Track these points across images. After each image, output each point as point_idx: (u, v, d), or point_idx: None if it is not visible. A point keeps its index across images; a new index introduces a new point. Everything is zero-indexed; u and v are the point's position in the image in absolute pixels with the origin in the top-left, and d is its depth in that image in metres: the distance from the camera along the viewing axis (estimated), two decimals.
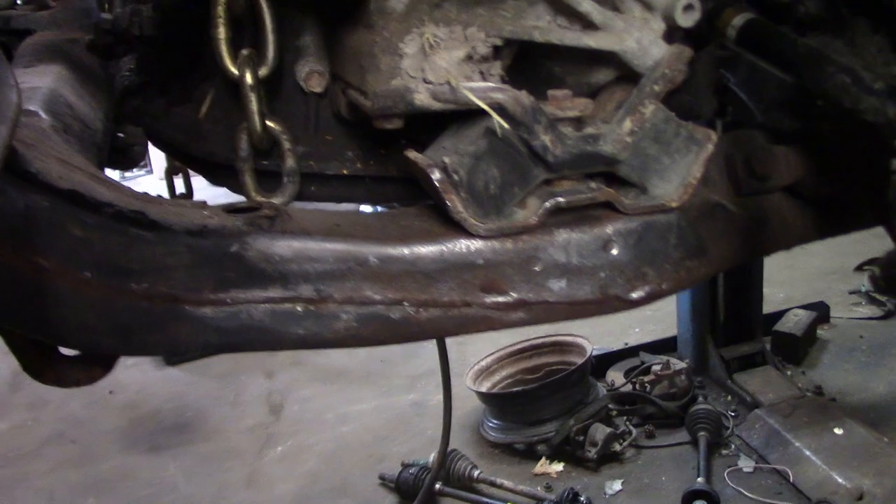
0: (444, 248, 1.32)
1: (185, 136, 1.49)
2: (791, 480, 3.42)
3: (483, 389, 4.17)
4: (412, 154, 1.33)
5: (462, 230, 1.31)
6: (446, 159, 1.27)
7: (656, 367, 4.13)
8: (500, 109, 1.25)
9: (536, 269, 1.34)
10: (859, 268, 4.67)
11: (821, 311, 4.54)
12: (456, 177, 1.27)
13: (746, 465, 3.62)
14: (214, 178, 1.53)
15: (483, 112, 1.27)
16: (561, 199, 1.32)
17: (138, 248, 1.19)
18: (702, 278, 1.46)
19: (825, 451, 3.50)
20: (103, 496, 3.89)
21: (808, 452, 3.54)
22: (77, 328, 1.18)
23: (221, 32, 1.33)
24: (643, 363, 4.27)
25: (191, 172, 1.93)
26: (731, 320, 4.15)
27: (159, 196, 1.32)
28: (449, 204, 1.28)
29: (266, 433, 4.29)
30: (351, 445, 4.13)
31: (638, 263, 1.37)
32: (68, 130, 1.48)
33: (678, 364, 4.15)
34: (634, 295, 1.38)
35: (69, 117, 1.53)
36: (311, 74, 1.44)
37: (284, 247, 1.26)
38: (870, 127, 1.29)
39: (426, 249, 1.31)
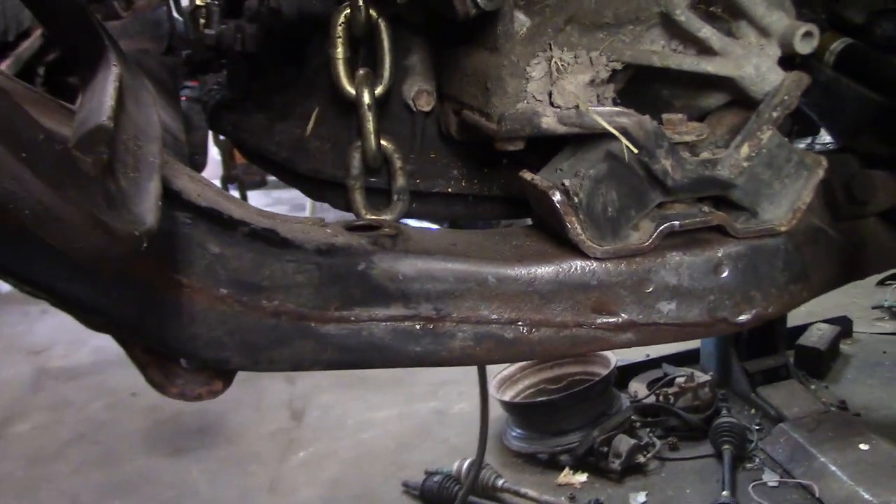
0: (560, 268, 1.33)
1: (289, 152, 1.50)
2: (816, 495, 3.44)
3: (507, 398, 4.17)
4: (529, 175, 1.35)
5: (577, 251, 1.32)
6: (566, 182, 1.29)
7: (680, 380, 4.14)
8: (625, 133, 1.27)
9: (648, 290, 1.36)
10: (882, 282, 4.70)
11: (844, 326, 4.57)
12: (576, 199, 1.28)
13: (771, 479, 3.64)
14: (318, 195, 1.53)
15: (603, 135, 1.28)
16: (676, 223, 1.34)
17: (270, 266, 1.20)
18: (803, 302, 1.48)
19: (850, 466, 3.52)
20: (127, 498, 3.86)
21: (833, 468, 3.55)
22: (208, 343, 1.19)
23: (340, 52, 1.34)
24: (666, 375, 4.28)
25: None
26: (755, 333, 4.16)
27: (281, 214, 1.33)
28: (568, 226, 1.29)
29: (288, 438, 4.28)
30: (373, 452, 4.12)
31: (746, 287, 1.39)
32: (165, 143, 1.49)
33: (702, 376, 4.17)
34: (742, 318, 1.40)
35: (163, 130, 1.53)
36: (420, 93, 1.45)
37: (408, 266, 1.27)
38: None
39: (542, 270, 1.33)
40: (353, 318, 1.25)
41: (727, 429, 3.81)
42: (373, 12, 1.36)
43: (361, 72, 1.37)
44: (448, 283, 1.29)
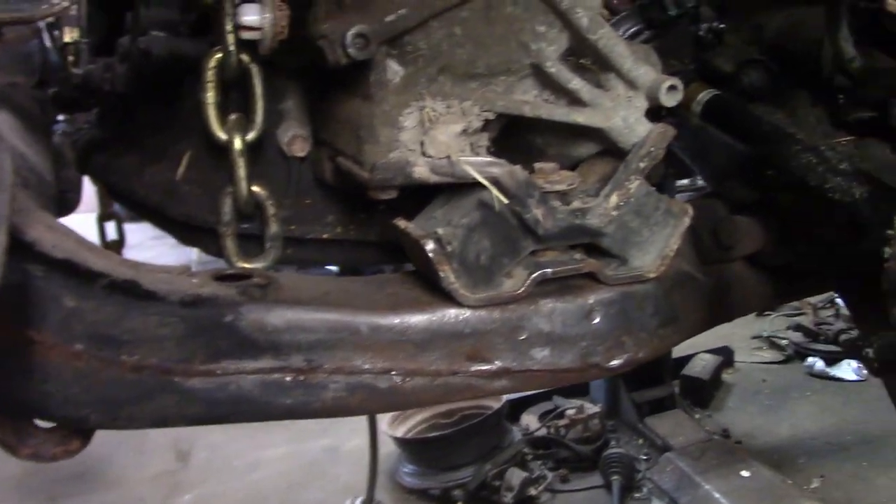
0: (433, 317, 1.32)
1: (160, 196, 1.45)
2: None
3: (399, 434, 4.15)
4: (403, 224, 1.34)
5: (451, 300, 1.32)
6: (440, 230, 1.29)
7: (570, 411, 4.21)
8: (496, 183, 1.28)
9: (522, 337, 1.36)
10: (760, 313, 4.88)
11: (726, 356, 4.73)
12: (449, 248, 1.28)
13: None
14: (189, 240, 1.49)
15: (475, 184, 1.29)
16: (548, 270, 1.35)
17: (131, 319, 1.16)
18: (673, 345, 1.51)
19: (733, 493, 3.62)
20: None
21: (717, 495, 3.65)
22: (63, 402, 1.14)
23: (211, 96, 1.31)
24: (557, 407, 4.34)
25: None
26: (642, 365, 4.25)
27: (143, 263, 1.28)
28: (441, 274, 1.29)
29: (173, 481, 4.13)
30: (262, 493, 4.02)
31: (617, 332, 1.41)
32: (27, 185, 1.42)
33: (591, 408, 4.24)
34: (613, 363, 1.42)
35: (25, 170, 1.46)
36: (295, 139, 1.43)
37: (278, 316, 1.24)
38: (835, 205, 1.37)
39: (416, 319, 1.32)
40: (219, 372, 1.21)
41: (616, 459, 3.88)
42: (245, 56, 1.34)
43: (233, 117, 1.35)
44: (320, 334, 1.26)
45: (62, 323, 1.11)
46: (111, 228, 1.99)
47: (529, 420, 4.35)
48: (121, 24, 1.61)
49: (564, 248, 1.40)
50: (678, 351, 4.51)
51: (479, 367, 1.36)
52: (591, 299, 1.39)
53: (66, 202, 2.09)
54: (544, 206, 1.31)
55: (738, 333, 4.96)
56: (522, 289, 1.34)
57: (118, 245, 1.92)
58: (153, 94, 1.49)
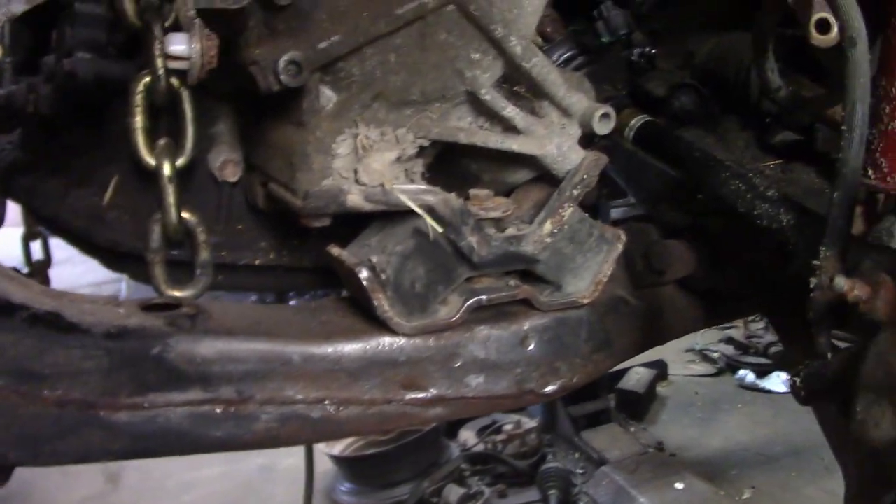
0: (367, 346, 1.31)
1: (86, 221, 1.41)
2: None
3: (335, 452, 4.11)
4: (337, 251, 1.33)
5: (384, 328, 1.31)
6: (374, 258, 1.27)
7: (507, 427, 4.22)
8: (431, 211, 1.27)
9: (457, 365, 1.36)
10: None
11: (660, 369, 4.80)
12: (384, 276, 1.27)
13: None
14: (116, 267, 1.45)
15: (410, 211, 1.28)
16: (483, 297, 1.35)
17: (54, 352, 1.12)
18: (607, 370, 1.52)
19: None
20: None
21: None
22: None
23: (139, 121, 1.28)
24: (495, 422, 4.34)
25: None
26: None
27: (67, 292, 1.24)
28: (376, 303, 1.28)
29: None
30: None
31: (552, 358, 1.42)
32: None
33: (528, 423, 4.26)
34: (548, 389, 1.42)
35: None
36: (226, 164, 1.41)
37: (208, 347, 1.22)
38: (763, 231, 1.40)
39: (350, 347, 1.31)
40: (147, 405, 1.18)
41: (553, 474, 3.91)
42: (175, 81, 1.31)
43: (162, 142, 1.31)
44: (251, 364, 1.24)
45: None
46: (37, 247, 1.93)
47: (467, 436, 4.35)
48: (46, 43, 1.56)
49: (499, 274, 1.40)
50: None
51: (414, 396, 1.35)
52: (526, 325, 1.39)
53: None
54: (479, 234, 1.31)
55: (672, 347, 5.00)
56: (457, 316, 1.34)
57: (45, 265, 1.86)
58: (79, 116, 1.44)
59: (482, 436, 4.29)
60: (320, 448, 3.96)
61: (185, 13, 1.03)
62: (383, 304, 1.28)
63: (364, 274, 1.27)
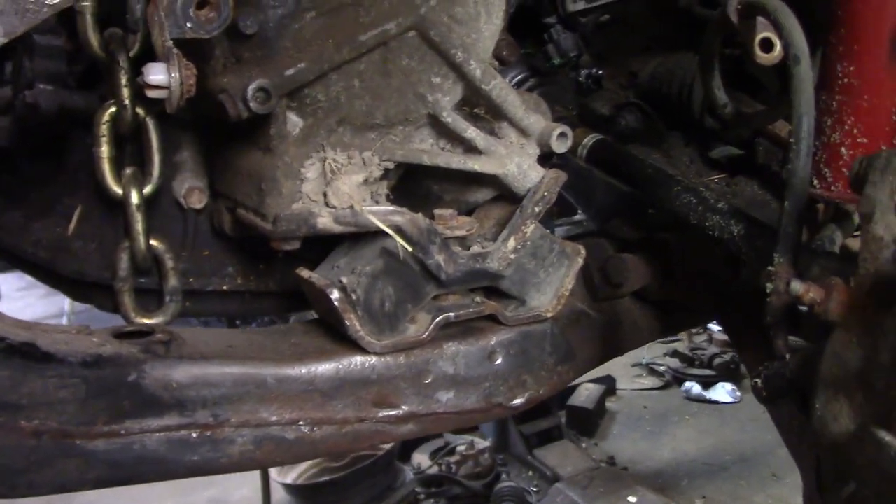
0: (339, 365, 1.34)
1: (49, 252, 1.40)
2: None
3: (288, 481, 4.08)
4: (307, 273, 1.35)
5: (356, 347, 1.33)
6: (344, 279, 1.30)
7: (461, 448, 4.25)
8: (399, 231, 1.30)
9: (427, 381, 1.39)
10: None
11: (608, 384, 4.88)
12: (354, 296, 1.30)
13: None
14: (82, 297, 1.45)
15: (378, 232, 1.31)
16: (451, 314, 1.39)
17: (29, 383, 1.12)
18: (570, 381, 1.57)
19: None
20: None
21: None
22: None
23: (105, 151, 1.29)
24: (448, 444, 4.37)
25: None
26: None
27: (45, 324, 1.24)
28: (347, 323, 1.30)
29: None
30: None
31: (518, 372, 1.46)
32: None
33: (481, 443, 4.29)
34: (515, 402, 1.46)
35: None
36: (192, 191, 1.42)
37: (182, 372, 1.23)
38: (714, 241, 1.46)
39: (323, 368, 1.33)
40: (123, 432, 1.19)
41: (507, 493, 3.94)
42: (140, 110, 1.32)
43: (129, 171, 1.33)
44: (225, 388, 1.25)
45: None
46: None
47: (420, 458, 4.36)
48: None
49: (465, 291, 1.44)
50: None
51: (386, 413, 1.38)
52: (493, 340, 1.43)
53: None
54: (446, 252, 1.35)
55: (619, 362, 5.10)
56: (426, 333, 1.37)
57: None
58: (38, 147, 1.44)
59: (436, 458, 4.31)
60: (273, 477, 3.94)
61: (162, 43, 1.05)
62: (355, 323, 1.31)
63: (335, 295, 1.29)
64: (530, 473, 4.26)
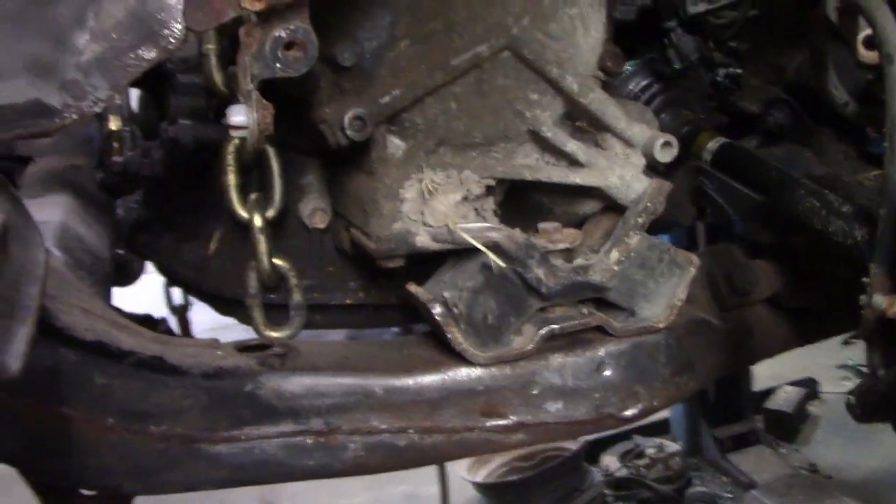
0: (446, 377, 1.39)
1: (194, 272, 1.56)
2: None
3: (478, 479, 4.17)
4: (413, 288, 1.41)
5: (462, 359, 1.38)
6: (446, 294, 1.35)
7: (650, 451, 4.17)
8: (496, 247, 1.34)
9: (534, 392, 1.41)
10: (846, 342, 4.72)
11: (810, 387, 4.60)
12: (456, 310, 1.35)
13: None
14: (223, 311, 1.60)
15: (477, 248, 1.35)
16: (555, 327, 1.40)
17: (157, 393, 1.26)
18: (691, 392, 1.53)
19: None
20: None
21: None
22: (99, 472, 1.24)
23: (231, 179, 1.41)
24: (637, 446, 4.30)
25: None
26: (722, 399, 4.19)
27: (174, 336, 1.39)
28: (450, 336, 1.35)
29: None
30: None
31: (630, 383, 1.45)
32: (81, 266, 1.55)
33: (672, 446, 4.19)
34: (628, 413, 1.45)
35: (80, 251, 1.59)
36: (315, 212, 1.52)
37: (295, 384, 1.32)
38: (840, 246, 1.38)
39: (429, 379, 1.38)
40: (243, 437, 1.30)
41: (699, 498, 3.84)
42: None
43: (253, 196, 1.45)
44: (336, 398, 1.34)
45: (94, 399, 1.21)
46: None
47: (609, 461, 4.31)
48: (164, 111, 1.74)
49: (572, 303, 1.44)
50: (760, 384, 4.42)
51: (494, 423, 1.41)
52: (602, 351, 1.43)
53: (130, 272, 2.24)
54: (545, 266, 1.37)
55: (823, 363, 4.83)
56: (531, 345, 1.39)
57: (184, 308, 2.05)
58: (186, 177, 1.60)
59: (625, 460, 4.25)
60: (461, 474, 4.05)
61: (244, 86, 1.15)
62: (457, 336, 1.36)
63: (437, 309, 1.35)
64: (724, 479, 4.10)
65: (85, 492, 1.31)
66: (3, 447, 1.17)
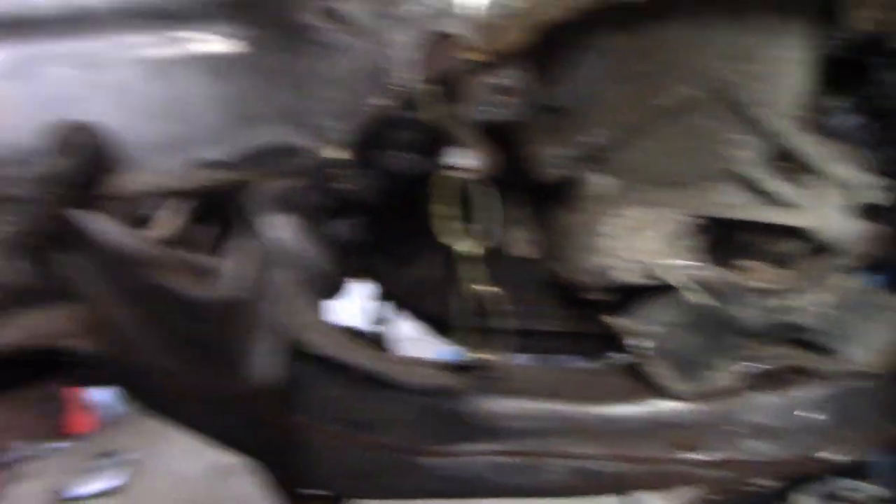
0: (649, 409, 1.43)
1: (412, 295, 1.70)
2: None
3: None
4: (618, 321, 1.47)
5: (664, 392, 1.42)
6: (650, 328, 1.40)
7: (846, 492, 3.94)
8: (700, 285, 1.37)
9: (734, 429, 1.43)
10: None
11: None
12: (656, 344, 1.40)
13: None
14: (441, 333, 1.72)
15: (683, 286, 1.39)
16: (756, 365, 1.42)
17: (377, 404, 1.39)
18: None
19: None
20: None
21: None
22: (322, 474, 1.39)
23: (440, 209, 1.52)
24: (834, 488, 4.06)
25: None
26: None
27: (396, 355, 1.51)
28: (651, 369, 1.40)
29: None
30: None
31: (836, 426, 1.43)
32: (314, 284, 1.72)
33: (870, 489, 3.93)
34: (835, 457, 1.43)
35: (312, 270, 1.76)
36: (526, 243, 1.62)
37: (505, 405, 1.42)
38: None
39: (634, 410, 1.43)
40: (452, 453, 1.41)
41: None
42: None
43: (464, 227, 1.55)
44: (545, 422, 1.42)
45: (324, 408, 1.36)
46: None
47: (805, 502, 4.10)
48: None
49: (776, 342, 1.45)
50: None
51: (695, 457, 1.44)
52: (804, 393, 1.43)
53: (338, 286, 2.40)
54: (749, 305, 1.39)
55: None
56: (731, 383, 1.41)
57: (386, 323, 2.19)
58: (399, 205, 1.73)
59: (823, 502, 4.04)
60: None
61: (465, 129, 1.27)
62: (658, 370, 1.40)
63: (643, 343, 1.40)
64: None
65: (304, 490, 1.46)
66: (248, 445, 1.34)
